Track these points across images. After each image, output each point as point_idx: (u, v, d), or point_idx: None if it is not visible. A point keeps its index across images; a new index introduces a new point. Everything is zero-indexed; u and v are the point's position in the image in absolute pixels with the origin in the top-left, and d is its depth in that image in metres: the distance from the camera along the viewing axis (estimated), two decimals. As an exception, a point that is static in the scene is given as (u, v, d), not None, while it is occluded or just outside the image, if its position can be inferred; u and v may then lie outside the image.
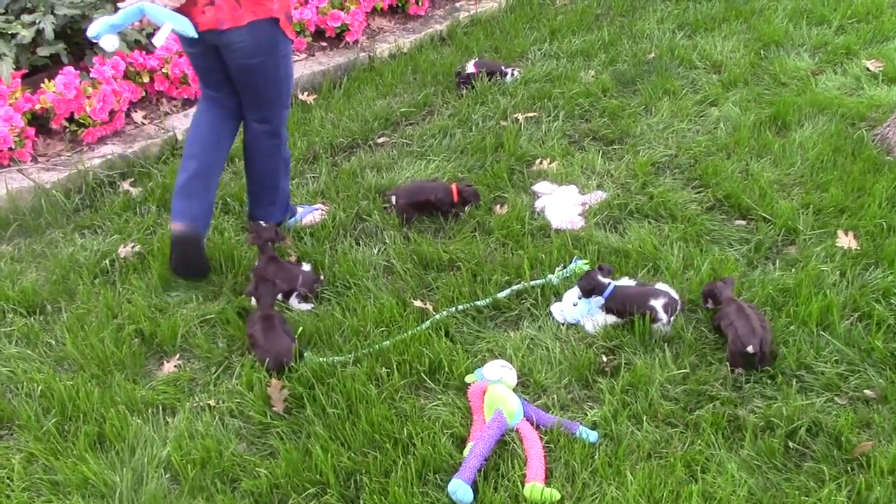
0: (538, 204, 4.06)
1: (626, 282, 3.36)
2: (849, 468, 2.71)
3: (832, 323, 3.26)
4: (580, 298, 3.33)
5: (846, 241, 3.70)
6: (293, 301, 3.47)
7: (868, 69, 5.33)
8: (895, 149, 4.36)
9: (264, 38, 3.40)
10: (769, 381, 3.04)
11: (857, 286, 3.44)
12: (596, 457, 2.75)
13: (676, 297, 3.27)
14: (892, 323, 3.27)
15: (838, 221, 3.85)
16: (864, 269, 3.55)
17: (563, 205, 4.01)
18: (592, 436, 2.84)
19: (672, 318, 3.25)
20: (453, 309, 3.39)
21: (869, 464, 2.69)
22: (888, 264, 3.56)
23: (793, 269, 3.58)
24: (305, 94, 5.19)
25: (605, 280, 3.30)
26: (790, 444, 2.80)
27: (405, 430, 2.84)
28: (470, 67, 5.20)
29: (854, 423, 2.85)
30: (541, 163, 4.39)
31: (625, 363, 3.13)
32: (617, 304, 3.28)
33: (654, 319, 3.22)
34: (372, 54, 5.62)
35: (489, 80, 5.19)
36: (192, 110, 4.88)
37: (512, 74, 5.27)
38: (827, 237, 3.75)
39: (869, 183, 4.06)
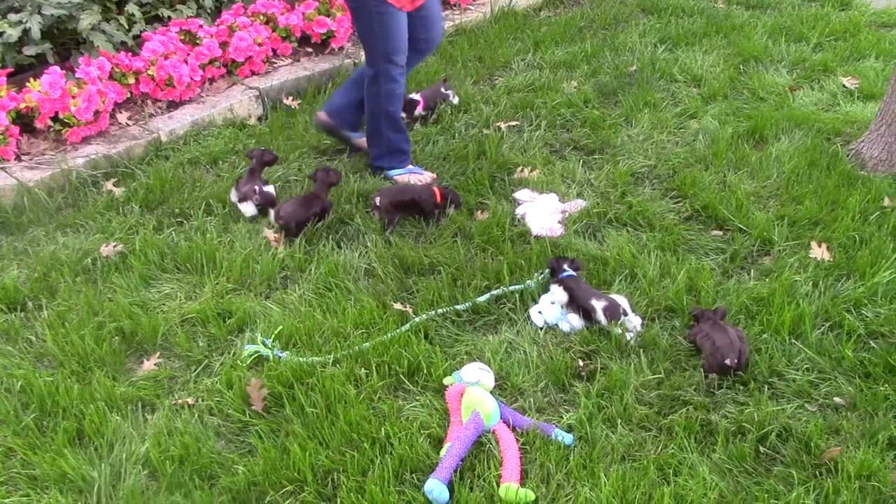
0: (519, 211, 4.11)
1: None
2: (817, 473, 2.76)
3: (804, 332, 3.32)
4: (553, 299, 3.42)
5: (819, 252, 3.77)
6: None
7: (844, 86, 5.44)
8: (868, 164, 4.45)
9: None
10: (742, 388, 3.09)
11: (829, 296, 3.51)
12: (571, 458, 2.79)
13: (622, 305, 3.34)
14: (863, 333, 3.33)
15: (812, 233, 3.92)
16: (836, 280, 3.62)
17: (543, 212, 4.06)
18: (568, 438, 2.88)
19: (618, 320, 3.32)
20: (433, 312, 3.43)
21: (837, 469, 2.75)
22: (859, 276, 3.63)
23: (767, 279, 3.64)
24: (290, 98, 5.23)
25: (567, 269, 3.49)
26: (761, 448, 2.85)
27: (383, 430, 2.87)
28: (416, 95, 5.02)
29: (823, 429, 2.90)
30: (522, 171, 4.44)
31: (601, 368, 3.17)
32: (570, 290, 3.40)
33: (593, 319, 3.34)
34: (357, 61, 5.66)
35: (432, 113, 5.05)
36: (177, 112, 4.92)
37: (453, 97, 5.15)
38: (801, 248, 3.82)
39: (842, 197, 4.14)
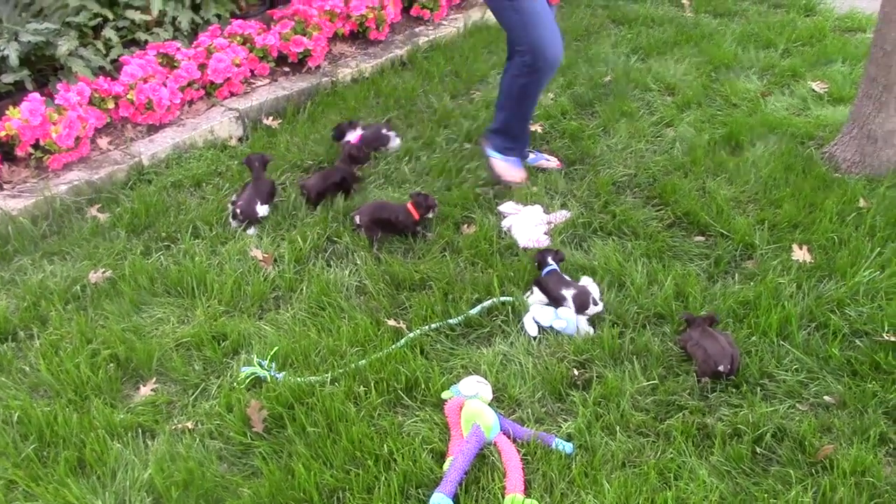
0: (504, 223, 4.16)
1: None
2: (813, 471, 2.83)
3: (791, 333, 3.40)
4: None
5: (801, 254, 3.85)
6: None
7: (814, 90, 5.56)
8: (843, 166, 4.56)
9: None
10: (734, 390, 3.16)
11: (812, 297, 3.59)
12: (573, 467, 2.83)
13: (590, 291, 3.48)
14: (847, 332, 3.42)
15: (792, 236, 4.01)
16: (818, 281, 3.70)
17: (528, 224, 4.11)
18: (568, 447, 2.92)
19: (585, 309, 3.45)
20: (426, 327, 3.46)
21: (832, 466, 2.82)
22: (840, 276, 3.72)
23: (752, 283, 3.72)
24: (270, 118, 5.24)
25: (551, 262, 3.63)
26: (757, 449, 2.91)
27: (385, 446, 2.89)
28: (353, 136, 4.79)
29: (816, 427, 2.97)
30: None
31: (596, 376, 3.22)
32: (545, 285, 3.54)
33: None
34: (334, 79, 5.69)
35: (372, 154, 4.80)
36: (158, 135, 4.92)
37: (394, 139, 4.89)
38: (782, 251, 3.90)
39: (819, 199, 4.24)
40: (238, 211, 4.15)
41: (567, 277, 3.61)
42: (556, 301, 3.48)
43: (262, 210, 4.18)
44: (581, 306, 3.42)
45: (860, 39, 6.39)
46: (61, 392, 3.19)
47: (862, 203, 4.21)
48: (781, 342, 3.37)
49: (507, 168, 4.51)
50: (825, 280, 3.71)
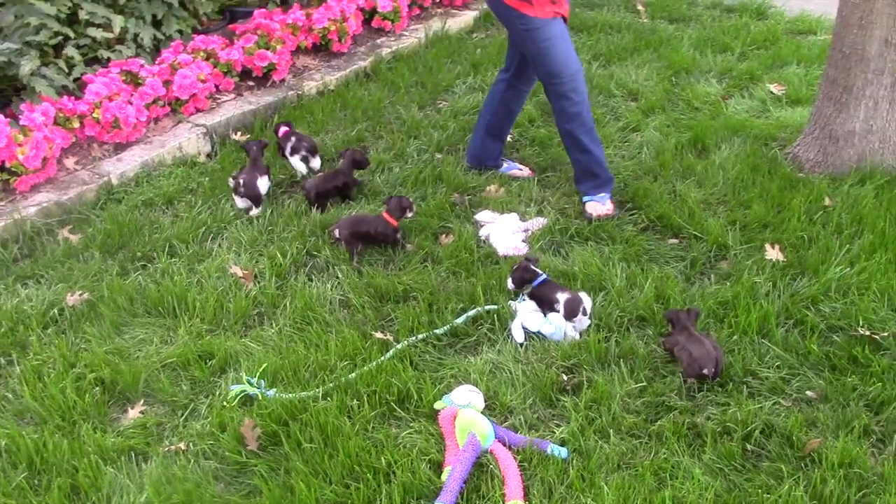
0: (482, 232, 4.19)
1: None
2: (803, 465, 2.90)
3: (770, 330, 3.48)
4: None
5: (773, 253, 3.95)
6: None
7: (772, 92, 5.70)
8: (806, 166, 4.69)
9: (495, 11, 4.17)
10: (720, 389, 3.23)
11: (788, 295, 3.68)
12: (569, 471, 2.86)
13: (583, 300, 3.50)
14: (824, 328, 3.51)
15: (763, 235, 4.11)
16: (792, 280, 3.80)
17: (506, 232, 4.15)
18: (563, 452, 2.96)
19: (574, 316, 3.48)
20: (414, 338, 3.47)
21: (820, 459, 2.89)
22: (813, 273, 3.82)
23: (728, 283, 3.80)
24: (238, 133, 5.22)
25: (538, 270, 3.65)
26: (747, 446, 2.97)
27: (383, 459, 2.90)
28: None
29: (802, 422, 3.05)
30: (487, 190, 4.55)
31: (585, 380, 3.27)
32: (539, 293, 3.58)
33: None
34: (300, 92, 5.68)
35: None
36: (125, 154, 4.86)
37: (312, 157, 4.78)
38: (755, 251, 4.00)
39: (787, 199, 4.35)
40: (242, 188, 4.36)
41: (558, 284, 3.65)
42: (549, 306, 3.52)
43: (263, 185, 4.44)
44: (571, 312, 3.46)
45: (812, 41, 6.57)
46: (48, 418, 3.14)
47: (827, 202, 4.33)
48: (762, 340, 3.45)
49: (595, 206, 4.33)
50: (798, 278, 3.81)
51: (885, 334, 3.45)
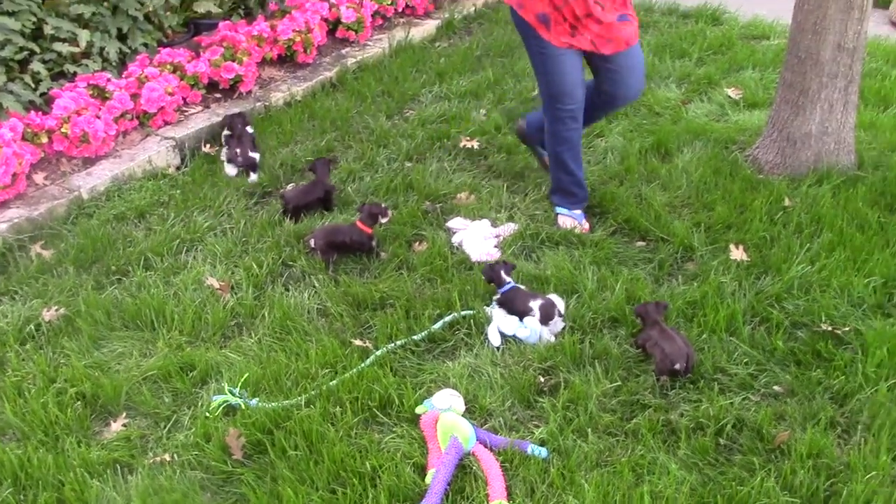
0: (455, 239, 4.27)
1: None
2: (773, 457, 3.02)
3: (738, 328, 3.60)
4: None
5: (738, 253, 4.08)
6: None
7: (730, 96, 5.85)
8: (766, 167, 4.83)
9: (514, 21, 4.16)
10: (692, 386, 3.33)
11: (753, 294, 3.81)
12: (550, 470, 2.95)
13: (556, 304, 3.60)
14: (788, 325, 3.64)
15: (727, 236, 4.23)
16: (756, 278, 3.93)
17: (478, 238, 4.23)
18: (543, 452, 3.04)
19: (550, 320, 3.57)
20: (392, 345, 3.54)
21: (790, 451, 3.01)
22: (776, 272, 3.95)
23: (695, 283, 3.92)
24: (207, 146, 5.24)
25: (507, 278, 3.72)
26: (720, 440, 3.08)
27: (367, 464, 2.96)
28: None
29: (771, 416, 3.16)
30: (458, 197, 4.62)
31: (562, 381, 3.35)
32: (507, 301, 3.66)
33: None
34: (267, 103, 5.71)
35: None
36: (95, 168, 4.86)
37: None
38: (720, 251, 4.12)
39: (749, 200, 4.48)
40: (239, 157, 4.90)
41: (528, 290, 3.74)
42: (521, 314, 3.60)
43: (255, 154, 4.97)
44: (546, 317, 3.54)
45: (766, 46, 6.75)
46: (30, 434, 3.15)
47: (787, 202, 4.47)
48: (730, 338, 3.57)
49: (567, 221, 4.40)
50: (762, 277, 3.94)
51: (847, 329, 3.58)
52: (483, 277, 3.82)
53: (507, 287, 3.72)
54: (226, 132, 5.14)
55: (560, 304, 3.63)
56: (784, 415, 3.20)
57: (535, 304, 3.58)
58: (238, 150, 4.92)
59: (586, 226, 4.38)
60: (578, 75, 4.15)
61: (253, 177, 4.88)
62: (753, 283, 3.90)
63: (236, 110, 5.36)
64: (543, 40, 4.04)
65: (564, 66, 4.10)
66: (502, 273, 3.75)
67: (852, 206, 4.39)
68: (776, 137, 4.81)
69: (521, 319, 3.60)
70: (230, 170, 4.96)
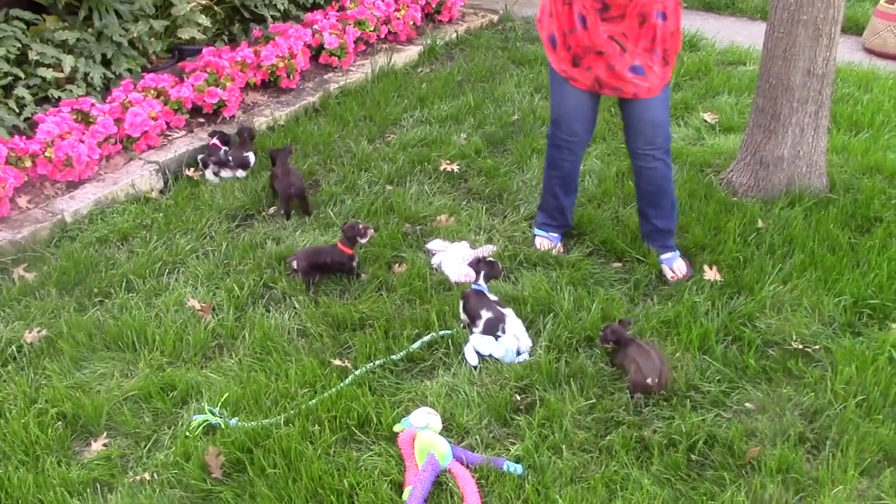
0: (434, 261, 4.33)
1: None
2: (744, 472, 3.08)
3: (711, 347, 3.67)
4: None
5: (711, 274, 4.15)
6: None
7: (706, 121, 5.97)
8: (739, 190, 4.93)
9: (543, 39, 4.16)
10: (665, 403, 3.40)
11: (726, 313, 3.88)
12: (525, 486, 3.00)
13: (506, 322, 3.68)
14: (760, 343, 3.71)
15: (701, 257, 4.31)
16: (729, 298, 4.00)
17: (457, 260, 4.29)
18: (518, 468, 3.09)
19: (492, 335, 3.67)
20: (371, 364, 3.58)
21: (760, 466, 3.08)
22: (748, 292, 4.03)
23: (670, 303, 3.99)
24: (191, 169, 5.29)
25: (481, 280, 3.86)
26: (692, 456, 3.14)
27: (345, 481, 3.00)
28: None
29: (742, 432, 3.23)
30: (438, 219, 4.69)
31: (538, 399, 3.41)
32: (466, 300, 3.83)
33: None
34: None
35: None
36: (78, 192, 4.91)
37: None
38: (694, 272, 4.20)
39: (722, 222, 4.57)
40: (231, 161, 5.23)
41: (492, 298, 3.81)
42: (471, 319, 3.71)
43: (251, 158, 5.30)
44: (488, 329, 3.65)
45: (742, 72, 6.89)
46: (10, 454, 3.17)
47: (760, 224, 4.56)
48: (703, 356, 3.63)
49: (544, 243, 4.46)
50: (735, 297, 4.01)
51: (817, 347, 3.67)
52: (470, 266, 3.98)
53: (476, 287, 3.83)
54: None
55: (515, 325, 3.69)
56: (755, 431, 3.27)
57: (484, 315, 3.68)
58: (231, 155, 5.24)
59: (561, 249, 4.44)
60: (578, 109, 4.13)
61: (240, 173, 5.27)
62: (726, 302, 3.97)
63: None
64: (550, 63, 4.14)
65: (564, 94, 4.14)
66: (480, 274, 3.86)
67: (824, 228, 4.48)
68: (749, 161, 4.91)
69: (471, 323, 3.72)
70: (224, 173, 5.25)
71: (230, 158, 5.23)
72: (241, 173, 5.26)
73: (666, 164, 4.14)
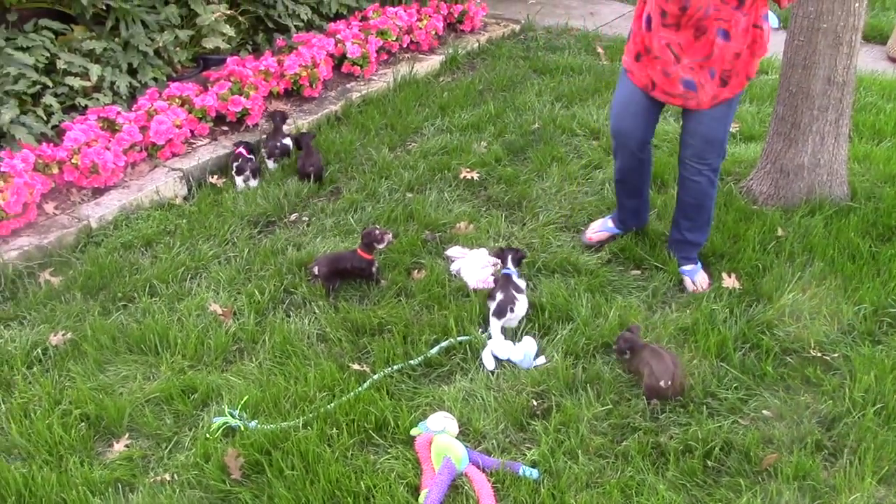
0: (453, 267, 4.36)
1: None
2: (760, 479, 3.08)
3: (728, 354, 3.67)
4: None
5: (730, 282, 4.15)
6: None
7: (727, 130, 5.95)
8: (759, 199, 4.93)
9: None
10: (682, 410, 3.40)
11: (744, 321, 3.88)
12: (541, 491, 3.01)
13: (514, 302, 3.85)
14: (778, 351, 3.71)
15: (720, 265, 4.31)
16: (748, 306, 4.00)
17: (475, 266, 4.32)
18: (534, 473, 3.11)
19: (502, 317, 3.83)
20: (389, 369, 3.62)
21: (776, 473, 3.08)
22: (767, 300, 4.03)
23: (688, 310, 3.99)
24: (214, 177, 5.36)
25: (510, 264, 4.05)
26: (708, 462, 3.15)
27: (362, 483, 3.03)
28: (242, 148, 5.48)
29: (759, 439, 3.23)
30: (457, 226, 4.72)
31: (554, 405, 3.43)
32: (494, 282, 4.06)
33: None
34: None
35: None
36: (104, 198, 4.99)
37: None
38: (713, 280, 4.20)
39: (742, 230, 4.57)
40: (277, 150, 5.52)
41: (517, 283, 3.96)
42: (491, 300, 3.88)
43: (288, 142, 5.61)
44: (499, 311, 3.80)
45: (763, 81, 6.87)
46: (35, 453, 3.23)
47: (780, 232, 4.56)
48: (720, 363, 3.64)
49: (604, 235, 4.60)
50: (754, 304, 4.01)
51: (836, 355, 3.66)
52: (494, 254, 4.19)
53: (504, 271, 4.00)
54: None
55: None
56: (772, 438, 3.27)
57: (497, 296, 3.86)
58: (272, 143, 5.53)
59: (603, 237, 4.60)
60: (629, 103, 4.12)
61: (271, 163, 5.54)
62: (745, 310, 3.97)
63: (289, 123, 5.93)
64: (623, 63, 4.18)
65: (621, 86, 4.19)
66: (509, 258, 4.04)
67: (844, 236, 4.47)
68: (770, 169, 4.91)
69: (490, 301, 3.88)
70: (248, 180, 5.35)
71: (269, 148, 5.49)
72: (271, 165, 5.50)
73: (711, 181, 4.12)
